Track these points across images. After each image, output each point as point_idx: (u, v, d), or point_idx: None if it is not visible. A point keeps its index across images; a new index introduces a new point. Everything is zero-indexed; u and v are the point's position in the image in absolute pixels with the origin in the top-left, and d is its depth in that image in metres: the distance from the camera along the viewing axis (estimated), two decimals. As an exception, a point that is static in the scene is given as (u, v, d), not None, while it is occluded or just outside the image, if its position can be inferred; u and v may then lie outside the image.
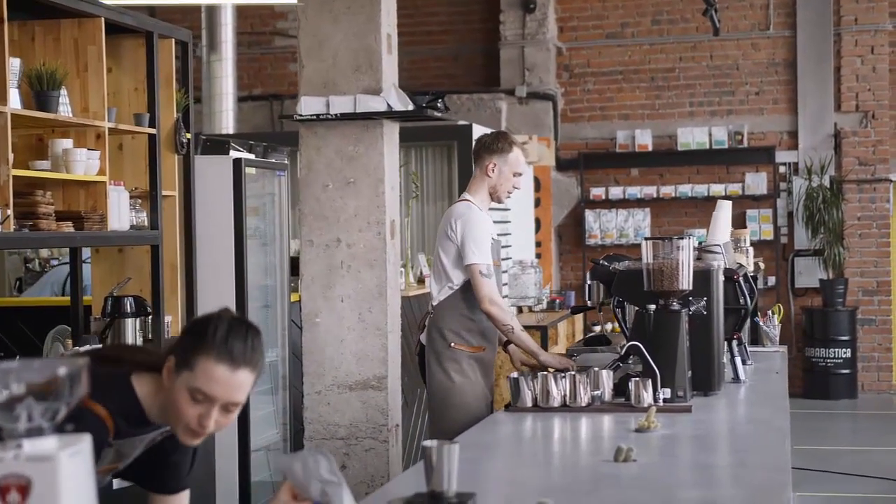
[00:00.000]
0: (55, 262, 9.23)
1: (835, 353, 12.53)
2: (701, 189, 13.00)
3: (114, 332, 5.58)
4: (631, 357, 4.57)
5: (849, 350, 12.55)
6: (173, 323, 6.08)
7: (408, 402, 7.14)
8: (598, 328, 12.43)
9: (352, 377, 5.86)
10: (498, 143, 5.53)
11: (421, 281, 8.28)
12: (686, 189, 13.07)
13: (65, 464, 1.76)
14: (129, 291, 5.78)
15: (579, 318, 11.45)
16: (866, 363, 12.87)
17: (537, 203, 12.73)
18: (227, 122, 11.10)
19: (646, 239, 4.57)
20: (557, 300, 11.25)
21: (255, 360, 2.68)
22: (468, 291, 5.36)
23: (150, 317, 5.78)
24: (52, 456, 1.76)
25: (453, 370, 5.39)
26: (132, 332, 5.60)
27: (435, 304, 5.50)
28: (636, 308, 4.67)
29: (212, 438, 5.87)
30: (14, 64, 4.88)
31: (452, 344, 5.40)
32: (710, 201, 12.82)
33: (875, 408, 12.25)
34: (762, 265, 11.02)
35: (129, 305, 5.62)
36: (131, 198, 5.68)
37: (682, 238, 4.52)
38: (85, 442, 1.82)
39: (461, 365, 5.40)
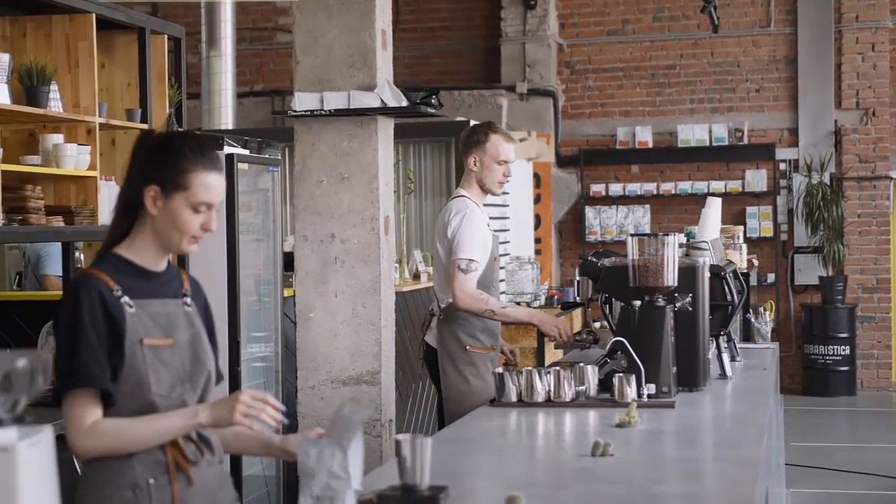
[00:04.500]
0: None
1: (834, 350, 12.54)
2: (701, 186, 13.01)
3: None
4: (618, 353, 4.58)
5: (848, 347, 12.56)
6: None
7: (402, 398, 7.16)
8: (598, 324, 12.44)
9: (345, 372, 5.87)
10: (473, 135, 5.50)
11: (416, 276, 8.30)
12: (686, 186, 13.07)
13: (23, 454, 1.79)
14: (121, 286, 5.80)
15: (578, 314, 11.45)
16: (865, 360, 12.88)
17: (537, 199, 12.75)
18: (226, 118, 11.12)
19: (631, 235, 4.58)
20: (556, 296, 11.25)
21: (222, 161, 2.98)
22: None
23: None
24: (10, 446, 1.78)
25: (470, 373, 5.32)
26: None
27: (443, 305, 5.41)
28: (622, 304, 4.68)
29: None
30: (3, 59, 4.91)
31: (468, 347, 5.34)
32: (710, 198, 12.82)
33: (874, 405, 12.26)
34: (756, 262, 11.02)
35: (120, 300, 5.64)
36: (123, 193, 5.71)
37: (668, 235, 4.53)
38: (45, 433, 1.85)
39: (478, 368, 5.35)
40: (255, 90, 13.80)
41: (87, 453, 2.85)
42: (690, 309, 4.64)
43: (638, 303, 4.51)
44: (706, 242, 5.32)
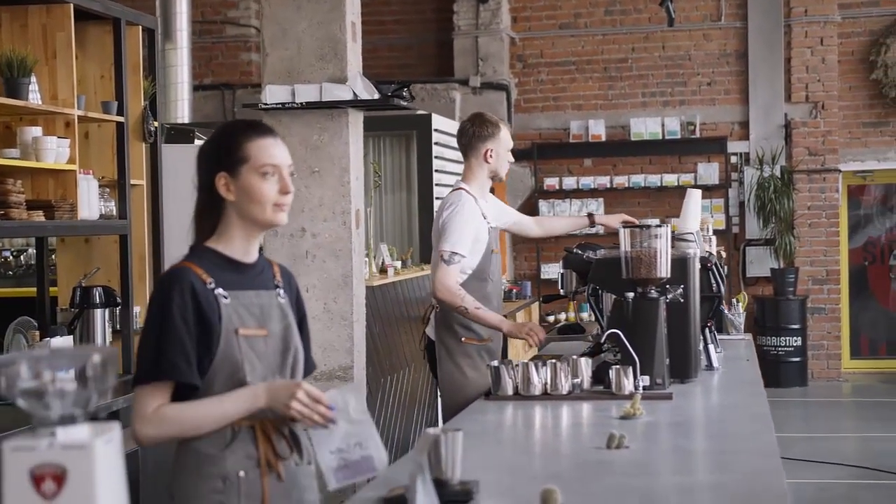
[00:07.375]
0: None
1: (785, 341, 12.67)
2: (654, 179, 13.08)
3: (82, 322, 5.50)
4: (605, 345, 4.57)
5: (799, 338, 12.70)
6: (142, 313, 6.01)
7: (372, 393, 7.12)
8: (551, 318, 12.49)
9: (317, 367, 5.82)
10: (487, 128, 5.51)
11: (384, 271, 8.25)
12: (639, 179, 13.13)
13: (100, 451, 1.75)
14: (97, 282, 5.71)
15: (535, 307, 11.49)
16: (816, 351, 13.02)
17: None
18: (182, 111, 10.99)
19: (624, 227, 4.58)
20: (514, 290, 11.27)
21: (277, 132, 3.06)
22: (473, 283, 5.27)
23: (118, 307, 5.71)
24: (86, 444, 1.74)
25: (466, 365, 5.29)
26: (101, 322, 5.53)
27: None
28: (614, 296, 4.67)
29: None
30: (-20, 51, 4.81)
31: (463, 339, 5.31)
32: (662, 191, 12.93)
33: (825, 395, 12.40)
34: (724, 253, 11.13)
35: (97, 296, 5.54)
36: (100, 187, 5.61)
37: (661, 226, 4.53)
38: (115, 429, 1.80)
39: (473, 359, 5.30)
40: (204, 83, 13.66)
41: (148, 441, 2.86)
42: (682, 300, 4.64)
43: (631, 295, 4.51)
44: (692, 234, 5.34)
